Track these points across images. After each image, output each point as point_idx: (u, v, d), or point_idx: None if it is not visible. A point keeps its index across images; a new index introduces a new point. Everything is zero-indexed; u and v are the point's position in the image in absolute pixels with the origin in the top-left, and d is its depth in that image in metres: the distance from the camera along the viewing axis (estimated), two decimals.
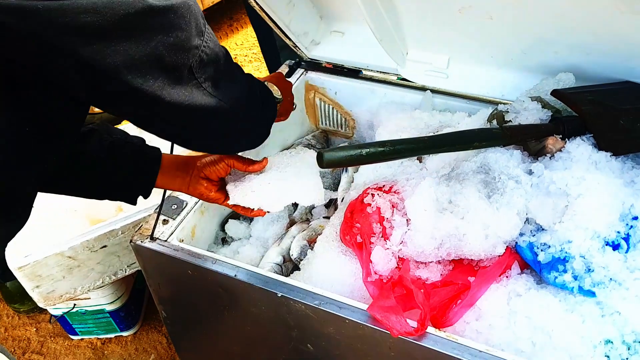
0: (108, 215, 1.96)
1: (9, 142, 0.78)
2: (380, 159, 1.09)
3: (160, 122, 0.89)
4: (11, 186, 0.83)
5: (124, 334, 2.19)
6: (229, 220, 1.56)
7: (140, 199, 1.22)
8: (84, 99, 0.84)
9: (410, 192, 1.25)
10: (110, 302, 2.00)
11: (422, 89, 1.66)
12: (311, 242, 1.44)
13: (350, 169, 1.60)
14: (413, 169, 1.35)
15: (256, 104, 1.04)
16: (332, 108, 1.84)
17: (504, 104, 1.42)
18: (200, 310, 1.43)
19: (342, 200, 1.51)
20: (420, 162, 1.39)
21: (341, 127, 1.88)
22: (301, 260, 1.38)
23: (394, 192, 1.31)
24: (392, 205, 1.28)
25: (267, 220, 1.54)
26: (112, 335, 2.19)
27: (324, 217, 1.54)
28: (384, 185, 1.34)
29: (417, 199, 1.19)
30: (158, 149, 1.21)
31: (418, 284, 1.18)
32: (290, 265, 1.42)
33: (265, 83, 1.22)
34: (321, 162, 1.02)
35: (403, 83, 1.70)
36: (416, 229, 1.19)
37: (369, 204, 1.29)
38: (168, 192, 1.31)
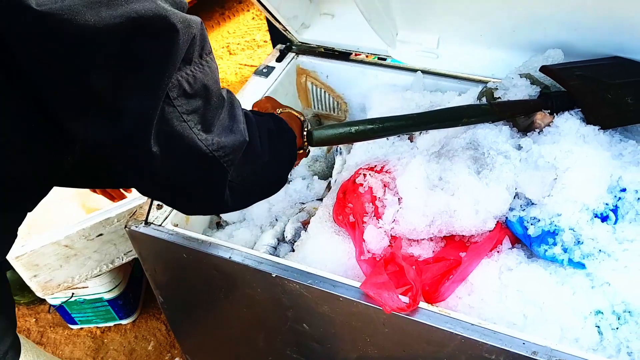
0: (103, 203, 1.97)
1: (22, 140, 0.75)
2: (370, 137, 1.09)
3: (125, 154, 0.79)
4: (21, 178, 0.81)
5: (123, 322, 2.20)
6: None
7: None
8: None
9: (402, 171, 1.26)
10: (108, 291, 2.02)
11: (413, 69, 1.66)
12: (305, 224, 1.45)
13: (344, 151, 1.61)
14: (404, 149, 1.36)
15: (264, 156, 0.96)
16: (324, 92, 1.84)
17: (494, 82, 1.42)
18: (197, 294, 1.44)
19: (335, 182, 1.52)
20: (411, 141, 1.40)
21: (333, 111, 1.88)
22: (295, 241, 1.39)
23: (386, 171, 1.31)
24: (384, 184, 1.29)
25: (261, 203, 1.55)
26: (111, 324, 2.21)
27: (317, 200, 1.55)
28: (375, 165, 1.34)
29: (408, 176, 1.20)
30: None
31: (410, 260, 1.19)
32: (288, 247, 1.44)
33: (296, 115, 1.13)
34: (311, 140, 1.03)
35: (394, 64, 1.70)
36: (408, 206, 1.20)
37: (361, 184, 1.30)
38: None
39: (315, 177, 1.63)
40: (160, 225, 1.33)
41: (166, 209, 1.37)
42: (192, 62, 0.77)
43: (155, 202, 1.37)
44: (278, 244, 1.44)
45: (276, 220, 1.50)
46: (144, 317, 2.23)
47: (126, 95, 0.71)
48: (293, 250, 1.37)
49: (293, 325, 1.31)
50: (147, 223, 1.33)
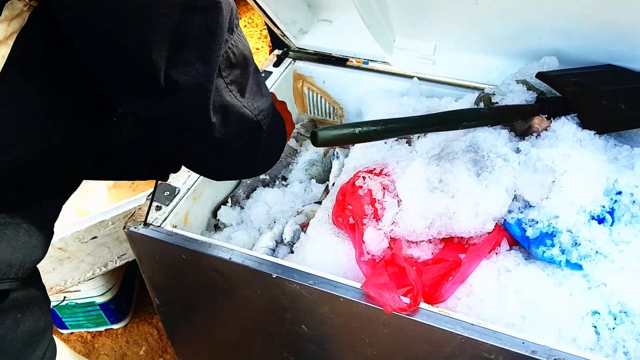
0: (97, 206, 1.96)
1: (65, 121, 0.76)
2: (373, 138, 1.11)
3: (177, 121, 0.81)
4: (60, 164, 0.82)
5: (115, 326, 2.18)
6: (221, 206, 1.57)
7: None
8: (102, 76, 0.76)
9: (401, 174, 1.28)
10: (101, 295, 2.00)
11: (409, 76, 1.68)
12: (304, 227, 1.46)
13: (341, 155, 1.63)
14: (403, 152, 1.38)
15: (277, 123, 1.00)
16: (321, 97, 1.86)
17: (490, 88, 1.45)
18: (195, 296, 1.43)
19: (333, 185, 1.53)
20: (409, 145, 1.42)
21: (329, 116, 1.90)
22: (294, 243, 1.40)
23: (385, 174, 1.33)
24: (383, 187, 1.30)
25: (259, 205, 1.56)
26: (102, 329, 2.18)
27: (315, 202, 1.56)
28: (374, 169, 1.36)
29: (408, 179, 1.21)
30: None
31: (410, 262, 1.21)
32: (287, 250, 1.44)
33: None
34: (315, 140, 1.04)
35: (390, 70, 1.72)
36: (407, 208, 1.21)
37: (360, 187, 1.31)
38: None
39: (313, 181, 1.64)
40: (159, 226, 1.33)
41: (165, 210, 1.37)
42: (233, 32, 0.79)
43: (154, 203, 1.37)
44: (276, 246, 1.45)
45: (274, 222, 1.51)
46: (136, 322, 2.21)
47: (184, 68, 0.72)
48: (292, 252, 1.38)
49: (291, 327, 1.31)
50: (146, 224, 1.33)
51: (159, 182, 1.37)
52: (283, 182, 1.70)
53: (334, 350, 1.31)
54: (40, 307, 0.86)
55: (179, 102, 0.76)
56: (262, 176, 1.68)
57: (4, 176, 0.72)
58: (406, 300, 1.08)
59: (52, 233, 0.88)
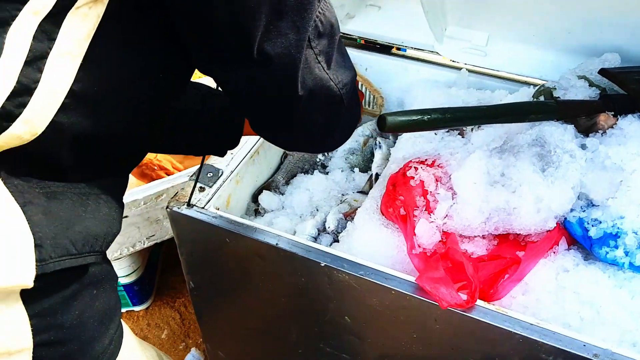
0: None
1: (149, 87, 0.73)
2: (441, 126, 1.07)
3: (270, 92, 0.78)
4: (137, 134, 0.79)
5: (136, 309, 2.16)
6: (263, 191, 1.53)
7: None
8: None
9: (456, 166, 1.24)
10: (126, 275, 1.97)
11: (456, 67, 1.64)
12: (347, 216, 1.43)
13: (384, 145, 1.59)
14: (456, 144, 1.34)
15: (356, 98, 0.96)
16: (361, 84, 1.81)
17: (552, 82, 1.40)
18: (233, 281, 1.40)
19: (376, 175, 1.50)
20: (462, 137, 1.38)
21: (369, 105, 1.86)
22: (338, 232, 1.36)
23: (438, 166, 1.29)
24: (436, 178, 1.26)
25: (302, 192, 1.52)
26: (123, 310, 2.16)
27: (358, 192, 1.52)
28: (426, 159, 1.32)
29: (467, 171, 1.17)
30: None
31: (465, 257, 1.17)
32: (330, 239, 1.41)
33: None
34: (383, 125, 1.00)
35: (436, 60, 1.68)
36: (464, 202, 1.18)
37: (412, 177, 1.27)
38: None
39: (356, 170, 1.61)
40: (203, 207, 1.30)
41: (208, 192, 1.34)
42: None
43: (198, 185, 1.34)
44: (318, 234, 1.42)
45: (317, 210, 1.48)
46: (157, 305, 2.18)
47: (277, 39, 0.69)
48: (336, 241, 1.35)
49: (333, 318, 1.28)
50: (189, 205, 1.29)
51: (204, 162, 1.33)
52: (322, 169, 1.66)
53: (377, 343, 1.28)
54: (111, 284, 0.83)
55: (268, 75, 0.73)
56: (301, 163, 1.65)
57: (90, 142, 0.69)
58: (463, 296, 1.05)
59: (123, 206, 0.85)
